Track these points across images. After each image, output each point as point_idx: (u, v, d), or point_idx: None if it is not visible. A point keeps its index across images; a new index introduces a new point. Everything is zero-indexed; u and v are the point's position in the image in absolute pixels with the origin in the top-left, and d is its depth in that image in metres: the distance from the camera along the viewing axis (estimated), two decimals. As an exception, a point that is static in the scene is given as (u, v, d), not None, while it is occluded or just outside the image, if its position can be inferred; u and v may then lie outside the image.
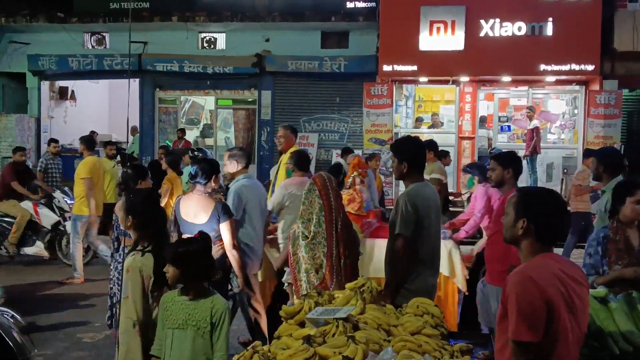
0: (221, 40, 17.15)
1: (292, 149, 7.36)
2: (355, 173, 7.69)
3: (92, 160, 9.84)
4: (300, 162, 6.60)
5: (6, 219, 10.47)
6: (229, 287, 5.86)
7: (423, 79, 15.11)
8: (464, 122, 15.27)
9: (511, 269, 4.98)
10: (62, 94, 19.06)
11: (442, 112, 16.30)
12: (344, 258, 4.84)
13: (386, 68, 14.69)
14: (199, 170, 5.48)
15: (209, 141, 18.26)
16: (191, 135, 18.27)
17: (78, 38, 17.44)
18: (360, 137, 15.52)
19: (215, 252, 5.30)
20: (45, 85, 18.24)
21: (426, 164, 9.06)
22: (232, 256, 5.48)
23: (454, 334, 4.03)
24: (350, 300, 3.93)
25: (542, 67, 14.12)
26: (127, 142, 15.56)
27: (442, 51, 14.25)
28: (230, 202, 5.93)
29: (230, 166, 6.26)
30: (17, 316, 4.89)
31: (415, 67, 14.60)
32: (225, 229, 5.41)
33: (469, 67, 14.45)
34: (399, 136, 15.24)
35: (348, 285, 4.12)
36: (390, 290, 4.50)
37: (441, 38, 14.27)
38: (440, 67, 14.43)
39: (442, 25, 14.27)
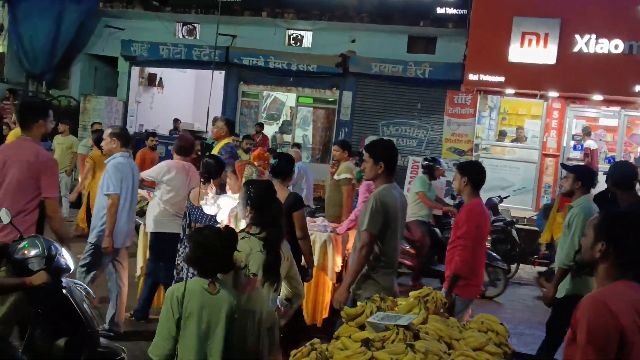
0: (307, 38, 17.25)
1: (225, 140, 8.14)
2: (256, 164, 7.76)
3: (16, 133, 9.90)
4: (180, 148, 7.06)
5: None
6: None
7: (510, 90, 14.71)
8: (549, 138, 14.78)
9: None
10: (151, 80, 19.66)
11: (527, 127, 15.85)
12: None
13: (472, 77, 14.39)
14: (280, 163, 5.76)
15: (287, 137, 18.42)
16: (270, 130, 18.47)
17: (170, 27, 17.92)
18: (439, 145, 15.28)
19: None
20: (135, 70, 18.85)
21: (341, 163, 9.26)
22: (304, 246, 5.59)
23: (518, 354, 3.88)
24: (413, 308, 3.84)
25: (638, 88, 13.49)
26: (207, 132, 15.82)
27: (532, 64, 13.83)
28: (110, 175, 6.19)
29: (109, 144, 6.44)
30: (89, 289, 5.00)
31: (502, 79, 14.22)
32: (295, 219, 5.52)
33: (559, 82, 13.96)
34: (480, 148, 15.02)
35: (412, 293, 4.04)
36: (349, 283, 4.76)
37: (532, 50, 13.85)
38: (529, 80, 14.00)
39: (534, 38, 13.84)
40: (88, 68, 19.12)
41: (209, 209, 5.77)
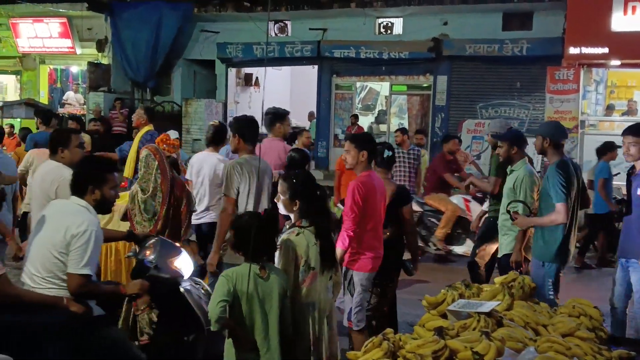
0: (398, 25, 16.95)
1: (145, 128, 8.37)
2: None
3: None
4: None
5: (435, 213, 9.86)
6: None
7: (615, 62, 13.89)
8: (661, 110, 13.87)
9: None
10: (247, 80, 20.03)
11: (637, 99, 14.92)
12: (177, 209, 5.48)
13: (573, 51, 13.69)
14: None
15: (383, 127, 18.24)
16: (366, 121, 18.35)
17: (262, 26, 18.11)
18: (542, 124, 14.62)
19: (386, 236, 5.38)
20: (232, 72, 19.22)
21: None
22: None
23: (617, 339, 3.63)
24: (497, 294, 3.68)
25: None
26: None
27: (638, 32, 12.98)
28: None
29: None
30: (208, 288, 5.06)
31: (606, 50, 13.43)
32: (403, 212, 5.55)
33: (668, 49, 13.04)
34: (586, 124, 14.29)
35: (497, 279, 3.89)
36: (219, 245, 5.47)
37: (637, 17, 13.00)
38: (636, 49, 13.13)
39: (638, 4, 13.00)
40: (187, 73, 19.70)
41: None
